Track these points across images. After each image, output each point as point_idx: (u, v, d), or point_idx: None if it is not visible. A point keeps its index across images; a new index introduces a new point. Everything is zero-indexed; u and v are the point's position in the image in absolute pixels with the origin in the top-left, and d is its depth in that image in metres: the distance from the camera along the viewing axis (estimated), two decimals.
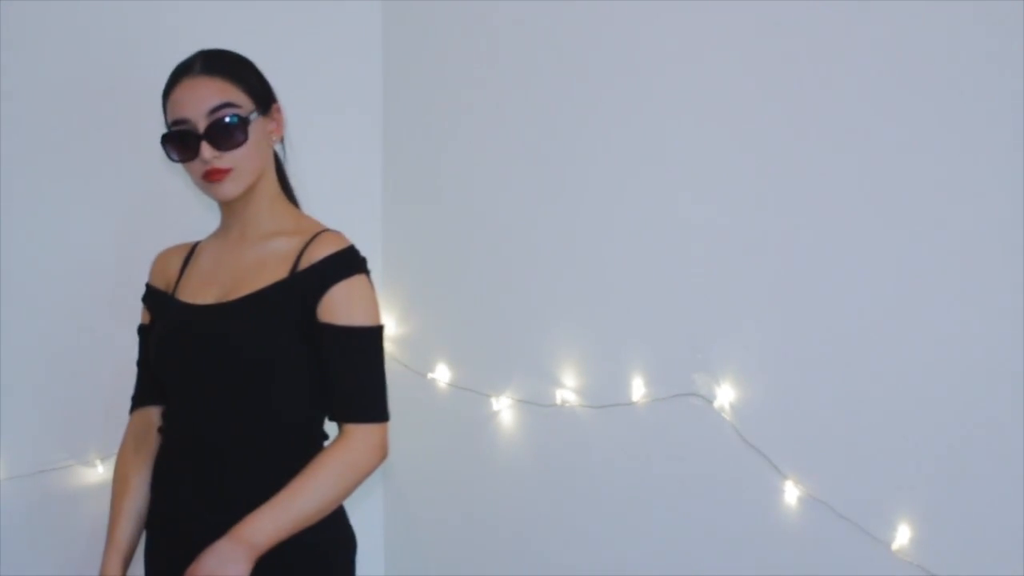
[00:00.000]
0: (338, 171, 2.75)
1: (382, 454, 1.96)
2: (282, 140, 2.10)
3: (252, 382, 1.93)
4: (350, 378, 1.94)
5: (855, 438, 2.08)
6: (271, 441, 1.95)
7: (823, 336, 2.11)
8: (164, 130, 2.01)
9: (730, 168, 2.23)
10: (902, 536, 2.02)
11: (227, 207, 2.05)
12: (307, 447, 1.97)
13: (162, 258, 2.15)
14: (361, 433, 1.93)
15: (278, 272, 1.96)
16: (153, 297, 2.13)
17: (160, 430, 2.08)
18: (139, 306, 2.48)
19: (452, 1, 2.70)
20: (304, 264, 1.94)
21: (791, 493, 2.16)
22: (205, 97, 1.94)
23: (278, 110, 2.06)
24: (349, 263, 1.95)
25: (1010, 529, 1.89)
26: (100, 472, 2.50)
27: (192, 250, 2.13)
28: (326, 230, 2.02)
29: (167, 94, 2.00)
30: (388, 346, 2.81)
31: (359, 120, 2.82)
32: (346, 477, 1.91)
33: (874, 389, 2.06)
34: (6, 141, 2.37)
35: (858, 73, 2.05)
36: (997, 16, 1.89)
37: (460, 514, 2.77)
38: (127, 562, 2.04)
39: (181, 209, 2.49)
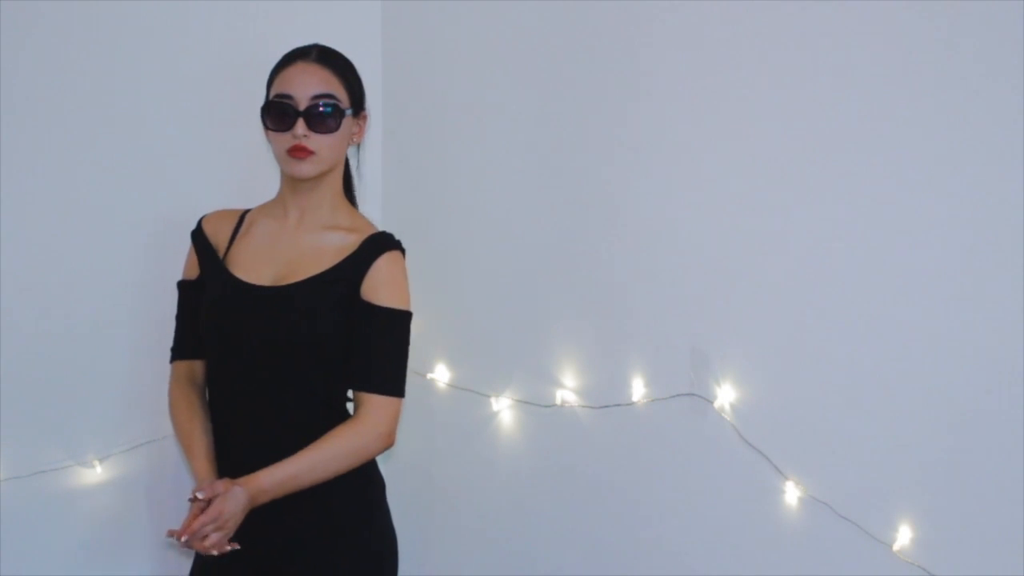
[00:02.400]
0: None
1: (389, 441, 2.16)
2: (359, 145, 2.29)
3: (301, 361, 2.13)
4: (382, 355, 2.14)
5: (855, 438, 2.08)
6: (310, 412, 2.15)
7: (823, 336, 2.11)
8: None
9: (731, 168, 2.22)
10: (903, 536, 2.02)
11: (293, 188, 2.21)
12: (339, 414, 2.19)
13: (216, 217, 2.28)
14: (375, 407, 2.13)
15: (332, 265, 2.15)
16: (204, 250, 2.25)
17: (207, 381, 2.25)
18: (139, 306, 2.49)
19: (452, 1, 2.70)
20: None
21: (791, 493, 2.16)
22: (313, 82, 2.14)
23: (364, 117, 2.26)
24: (384, 247, 2.16)
25: (1010, 529, 1.89)
26: (98, 473, 2.50)
27: (241, 218, 2.28)
28: (380, 232, 2.21)
29: (278, 71, 2.19)
30: None
31: None
32: (349, 459, 2.12)
33: (875, 389, 2.05)
34: (6, 141, 2.37)
35: (859, 74, 2.04)
36: (997, 16, 1.89)
37: (460, 514, 2.76)
38: (213, 463, 2.16)
39: (181, 210, 2.48)
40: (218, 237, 2.26)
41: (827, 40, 2.08)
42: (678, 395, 2.32)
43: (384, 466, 2.90)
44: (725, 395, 2.24)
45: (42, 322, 2.44)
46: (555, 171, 2.52)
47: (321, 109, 2.13)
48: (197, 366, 2.26)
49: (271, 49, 2.27)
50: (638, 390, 2.38)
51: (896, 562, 2.02)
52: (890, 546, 2.03)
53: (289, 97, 2.14)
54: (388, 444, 2.16)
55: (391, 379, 2.15)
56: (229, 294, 2.18)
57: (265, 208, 2.28)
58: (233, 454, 2.16)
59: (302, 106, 2.13)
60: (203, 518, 2.01)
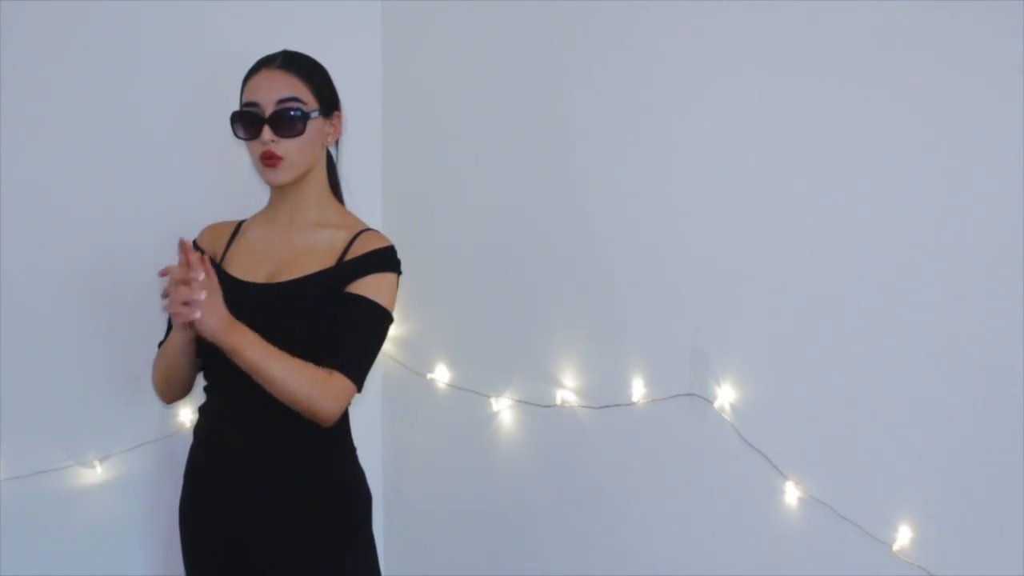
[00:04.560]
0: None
1: (335, 408, 2.11)
2: (337, 143, 2.31)
3: (296, 354, 2.09)
4: (351, 336, 2.13)
5: (855, 438, 2.08)
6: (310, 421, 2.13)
7: (823, 336, 2.11)
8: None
9: (731, 168, 2.22)
10: (903, 537, 2.02)
11: (278, 192, 2.25)
12: (330, 433, 2.19)
13: (211, 229, 2.33)
14: (338, 378, 2.10)
15: (325, 261, 2.19)
16: None
17: (204, 389, 2.27)
18: (139, 307, 2.50)
19: (452, 1, 2.70)
20: (350, 257, 2.18)
21: (792, 494, 2.16)
22: (277, 88, 2.17)
23: (339, 117, 2.27)
24: (389, 260, 2.20)
25: (1010, 529, 1.89)
26: (99, 473, 2.50)
27: (238, 227, 2.32)
28: (369, 228, 2.25)
29: (247, 79, 2.22)
30: (388, 346, 2.82)
31: (359, 120, 2.81)
32: (301, 388, 2.06)
33: (875, 389, 2.05)
34: (6, 141, 2.37)
35: (859, 74, 2.04)
36: (997, 16, 1.89)
37: (460, 514, 2.76)
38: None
39: (181, 211, 2.49)
40: (214, 246, 2.29)
41: (827, 40, 2.08)
42: (678, 395, 2.32)
43: (385, 465, 2.91)
44: (725, 395, 2.24)
45: (42, 322, 2.44)
46: (555, 171, 2.52)
47: (290, 113, 2.15)
48: None
49: (272, 50, 2.27)
50: (638, 390, 2.38)
51: (896, 562, 2.02)
52: (890, 546, 2.03)
53: (255, 105, 2.17)
54: (327, 415, 2.10)
55: (355, 363, 2.13)
56: (226, 291, 2.17)
57: (259, 215, 2.32)
58: (232, 445, 2.18)
59: (267, 112, 2.16)
60: (184, 269, 2.00)
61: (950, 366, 1.96)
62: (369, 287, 2.16)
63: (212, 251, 2.28)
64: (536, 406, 2.57)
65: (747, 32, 2.18)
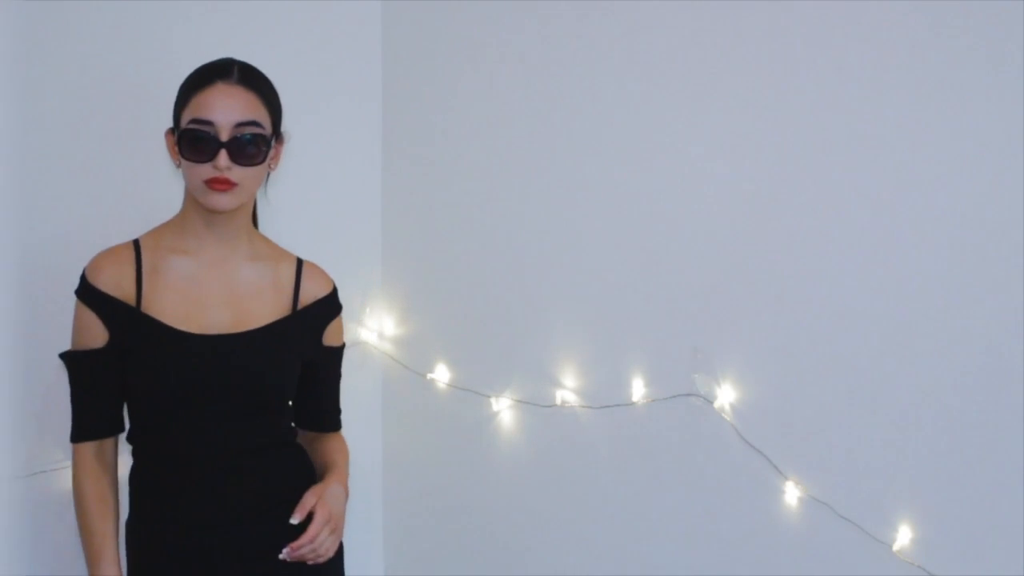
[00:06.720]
0: (338, 172, 2.75)
1: None
2: (271, 171, 2.06)
3: (270, 402, 2.05)
4: (335, 391, 2.22)
5: (855, 438, 2.08)
6: (280, 446, 2.11)
7: (823, 337, 2.11)
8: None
9: (730, 169, 2.22)
10: (903, 536, 2.02)
11: (207, 221, 1.99)
12: (296, 445, 2.16)
13: (107, 263, 1.99)
14: (339, 438, 2.23)
15: (279, 303, 2.07)
16: (106, 306, 1.97)
17: (147, 447, 2.09)
18: None
19: (452, 1, 2.70)
20: (305, 300, 2.10)
21: (791, 493, 2.16)
22: (237, 108, 1.90)
23: (282, 142, 2.03)
24: (337, 302, 2.17)
25: (1010, 529, 1.89)
26: None
27: (138, 255, 2.01)
28: (301, 259, 2.13)
29: (195, 89, 1.93)
30: (388, 346, 2.83)
31: (358, 121, 2.82)
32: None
33: (874, 390, 2.05)
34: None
35: (859, 74, 2.05)
36: (997, 16, 1.89)
37: (460, 514, 2.77)
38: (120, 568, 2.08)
39: (174, 210, 2.48)
40: (121, 287, 1.97)
41: (826, 40, 2.08)
42: (678, 395, 2.32)
43: (385, 465, 2.91)
44: (725, 395, 2.24)
45: (42, 322, 2.44)
46: (554, 170, 2.52)
47: (250, 140, 1.90)
48: (108, 444, 2.07)
49: (271, 50, 2.27)
50: (638, 390, 2.38)
51: (896, 562, 2.02)
52: (890, 546, 2.03)
53: (209, 124, 1.88)
54: None
55: (339, 411, 2.25)
56: (169, 343, 1.96)
57: (168, 241, 2.02)
58: (206, 506, 2.01)
59: (224, 136, 1.88)
60: (315, 525, 1.94)
61: (950, 366, 1.96)
62: (336, 336, 2.19)
63: (120, 293, 1.97)
64: (536, 406, 2.57)
65: (748, 34, 2.18)
